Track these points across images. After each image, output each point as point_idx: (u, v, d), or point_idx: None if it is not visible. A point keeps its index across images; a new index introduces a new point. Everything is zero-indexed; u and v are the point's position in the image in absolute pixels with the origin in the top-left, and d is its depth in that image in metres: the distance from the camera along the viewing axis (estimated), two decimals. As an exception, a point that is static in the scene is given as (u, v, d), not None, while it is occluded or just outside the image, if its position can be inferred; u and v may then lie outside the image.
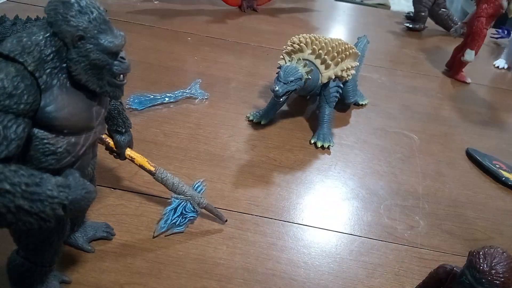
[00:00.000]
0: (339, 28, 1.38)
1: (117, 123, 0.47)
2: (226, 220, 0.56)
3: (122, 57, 0.35)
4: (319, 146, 0.73)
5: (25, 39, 0.31)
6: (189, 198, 0.53)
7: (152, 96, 0.78)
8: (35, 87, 0.30)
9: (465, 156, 0.78)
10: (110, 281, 0.47)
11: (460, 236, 0.60)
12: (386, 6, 2.20)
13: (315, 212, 0.61)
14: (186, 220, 0.53)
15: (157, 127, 0.73)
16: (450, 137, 0.83)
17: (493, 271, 0.34)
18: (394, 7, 2.19)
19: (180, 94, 0.81)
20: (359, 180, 0.68)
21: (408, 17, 1.46)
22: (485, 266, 0.34)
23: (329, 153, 0.73)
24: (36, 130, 0.31)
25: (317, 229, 0.58)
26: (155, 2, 1.30)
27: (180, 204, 0.53)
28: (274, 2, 1.43)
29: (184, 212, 0.53)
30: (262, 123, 0.77)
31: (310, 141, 0.75)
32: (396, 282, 0.52)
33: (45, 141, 0.32)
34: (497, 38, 1.42)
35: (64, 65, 0.32)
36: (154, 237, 0.53)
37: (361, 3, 2.17)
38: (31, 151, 0.32)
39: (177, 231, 0.53)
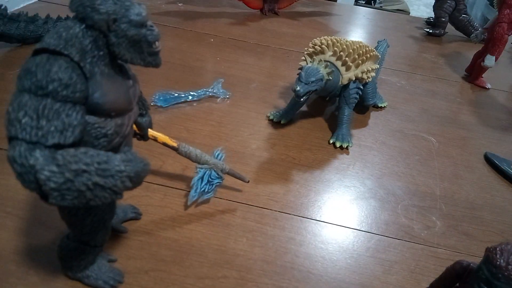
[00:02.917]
0: (358, 32, 1.39)
1: (138, 106, 0.50)
2: (249, 181, 0.60)
3: (150, 25, 0.37)
4: (337, 146, 0.75)
5: (64, 33, 0.33)
6: (212, 166, 0.57)
7: (176, 94, 0.81)
8: (83, 76, 0.33)
9: (483, 160, 0.78)
10: (136, 267, 0.49)
11: (476, 238, 0.61)
12: (405, 12, 2.19)
13: (333, 209, 0.62)
14: (213, 186, 0.58)
15: (180, 124, 0.75)
16: (468, 141, 0.83)
17: (510, 266, 0.34)
18: (414, 12, 2.19)
19: (203, 93, 0.84)
20: (377, 180, 0.69)
21: (428, 23, 1.47)
22: (502, 261, 0.35)
23: (347, 153, 0.74)
24: (87, 117, 0.34)
25: (335, 226, 0.59)
26: (179, 5, 1.33)
27: (205, 173, 0.57)
28: (294, 6, 1.45)
29: (210, 179, 0.57)
30: (282, 122, 0.79)
31: (329, 141, 0.76)
32: (412, 279, 0.53)
33: (96, 125, 0.35)
34: (518, 44, 1.41)
35: (102, 53, 0.35)
36: (187, 206, 0.57)
37: (380, 8, 2.18)
38: (84, 136, 0.34)
39: (207, 197, 0.57)
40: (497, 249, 0.36)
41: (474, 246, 0.59)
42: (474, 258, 0.57)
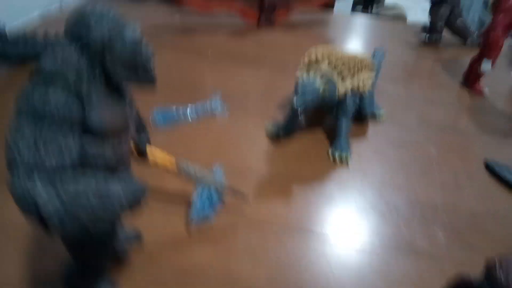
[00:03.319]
0: (355, 40, 1.40)
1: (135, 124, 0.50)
2: (249, 201, 0.61)
3: (145, 44, 0.37)
4: (336, 158, 0.75)
5: (59, 55, 0.33)
6: (212, 184, 0.57)
7: (174, 112, 0.81)
8: (79, 97, 0.33)
9: (483, 168, 0.78)
10: (138, 290, 0.49)
11: (480, 248, 0.60)
12: (402, 17, 2.20)
13: (333, 223, 0.62)
14: (214, 204, 0.58)
15: (179, 141, 0.75)
16: (468, 149, 0.83)
17: (510, 279, 0.34)
18: (411, 17, 2.19)
19: (201, 108, 0.84)
20: (377, 192, 0.69)
21: (425, 29, 1.47)
22: (501, 275, 0.35)
23: (347, 165, 0.74)
24: (84, 137, 0.34)
25: (337, 241, 0.59)
26: (176, 19, 1.34)
27: (204, 191, 0.57)
28: (291, 16, 1.46)
29: (209, 197, 0.57)
30: (280, 136, 0.79)
31: (327, 153, 0.76)
32: (416, 294, 0.52)
33: (94, 146, 0.35)
34: (515, 47, 1.41)
35: (97, 73, 0.35)
36: (190, 224, 0.57)
37: (377, 14, 2.19)
38: (82, 157, 0.34)
39: (207, 216, 0.57)
40: (496, 262, 0.36)
41: (479, 257, 0.58)
42: (478, 269, 0.56)
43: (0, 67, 0.90)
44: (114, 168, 0.38)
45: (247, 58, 1.12)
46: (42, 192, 0.30)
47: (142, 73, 0.38)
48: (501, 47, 1.01)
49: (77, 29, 0.34)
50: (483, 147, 0.84)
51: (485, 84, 1.08)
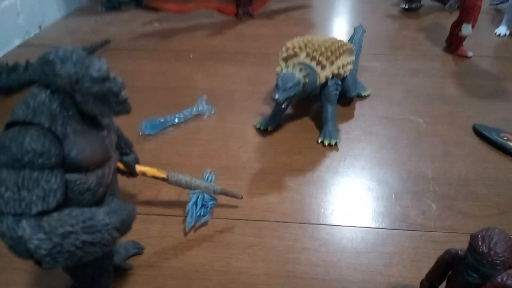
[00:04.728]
0: (336, 21, 1.40)
1: (120, 146, 0.51)
2: (242, 197, 0.62)
3: (113, 77, 0.38)
4: (326, 144, 0.76)
5: (31, 102, 0.35)
6: (204, 189, 0.59)
7: (162, 120, 0.82)
8: (56, 140, 0.34)
9: (472, 133, 0.79)
10: (145, 302, 0.51)
11: (473, 214, 0.61)
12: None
13: (328, 210, 0.63)
14: (208, 208, 0.59)
15: (170, 148, 0.77)
16: (455, 115, 0.84)
17: (492, 251, 0.35)
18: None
19: (189, 112, 0.85)
20: (369, 172, 0.70)
21: (404, -2, 1.46)
22: (484, 248, 0.36)
23: (337, 150, 0.75)
24: (68, 175, 0.35)
25: (332, 226, 0.60)
26: (155, 24, 1.34)
27: (198, 197, 0.59)
28: (269, 5, 1.46)
29: (204, 202, 0.59)
30: (269, 129, 0.80)
31: (317, 140, 0.77)
32: (414, 268, 0.54)
33: (78, 181, 0.36)
34: (496, 4, 1.40)
35: (71, 112, 0.36)
36: (186, 233, 0.59)
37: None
38: (68, 194, 0.36)
39: (204, 220, 0.59)
40: (479, 235, 0.37)
41: (472, 223, 0.60)
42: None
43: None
44: (102, 198, 0.40)
45: (229, 55, 1.12)
46: (32, 239, 0.32)
47: (115, 106, 0.39)
48: (479, 8, 1.01)
49: (44, 76, 0.35)
50: (471, 112, 0.85)
51: (468, 47, 1.08)
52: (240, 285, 0.52)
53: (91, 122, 0.39)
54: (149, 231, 0.60)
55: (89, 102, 0.36)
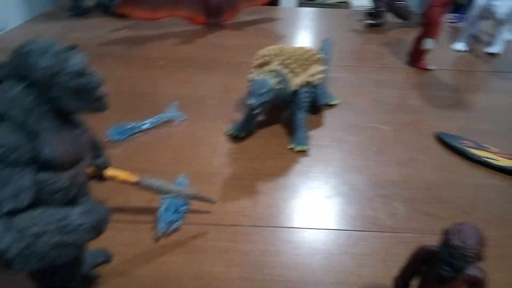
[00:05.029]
0: (303, 34, 1.43)
1: (91, 149, 0.50)
2: (216, 202, 0.61)
3: (91, 72, 0.37)
4: (297, 151, 0.77)
5: (4, 97, 0.33)
6: (177, 194, 0.57)
7: (131, 125, 0.80)
8: (29, 136, 0.33)
9: (435, 140, 0.82)
10: (116, 309, 0.49)
11: (438, 216, 0.64)
12: (346, 4, 2.26)
13: (301, 213, 0.64)
14: (181, 214, 0.58)
15: (140, 155, 0.75)
16: (419, 124, 0.87)
17: (465, 244, 0.37)
18: (355, 3, 2.26)
19: (159, 118, 0.84)
20: (339, 177, 0.71)
21: (369, 14, 1.52)
22: (457, 241, 0.37)
23: (307, 156, 0.76)
24: (40, 174, 0.34)
25: (305, 230, 0.61)
26: (124, 31, 1.33)
27: (170, 202, 0.58)
28: (238, 16, 1.47)
29: (176, 207, 0.58)
30: (241, 136, 0.80)
31: (288, 146, 0.78)
32: (385, 268, 0.55)
33: (50, 181, 0.35)
34: (454, 22, 1.48)
35: (46, 108, 0.35)
36: (158, 239, 0.57)
37: (322, 4, 2.23)
38: (40, 194, 0.34)
39: (176, 226, 0.58)
40: (452, 230, 0.38)
41: (438, 224, 0.62)
42: (439, 236, 0.59)
43: None
44: (74, 198, 0.38)
45: (199, 64, 1.12)
46: (3, 237, 0.30)
47: (92, 102, 0.38)
48: (440, 24, 1.07)
49: (20, 68, 0.34)
50: (433, 121, 0.89)
51: (429, 61, 1.13)
52: (215, 289, 0.51)
53: (67, 119, 0.38)
54: (118, 239, 0.58)
55: (66, 97, 0.35)
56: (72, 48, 0.36)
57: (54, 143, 0.35)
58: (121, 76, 1.03)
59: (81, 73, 0.36)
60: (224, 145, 0.79)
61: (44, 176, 0.34)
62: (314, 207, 0.65)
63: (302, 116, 0.78)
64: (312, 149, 0.78)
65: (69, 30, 1.33)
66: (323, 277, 0.54)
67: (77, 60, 0.35)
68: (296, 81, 0.75)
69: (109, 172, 0.53)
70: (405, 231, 0.61)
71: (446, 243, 0.38)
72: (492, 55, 1.24)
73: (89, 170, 0.51)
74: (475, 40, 1.37)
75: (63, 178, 0.36)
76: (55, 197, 0.36)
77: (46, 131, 0.35)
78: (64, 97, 0.35)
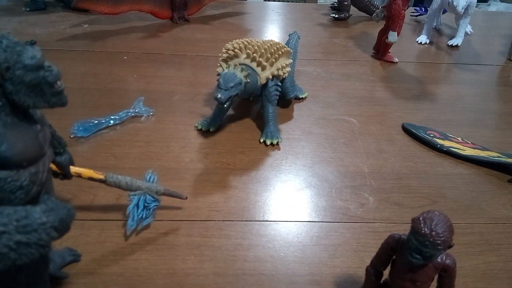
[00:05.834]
0: (270, 28, 1.43)
1: (54, 146, 0.48)
2: (186, 197, 0.60)
3: (48, 66, 0.36)
4: (268, 144, 0.77)
5: None
6: (146, 191, 0.56)
7: (96, 121, 0.78)
8: None
9: (402, 131, 0.84)
10: (84, 312, 0.47)
11: (407, 205, 0.65)
12: (312, -1, 2.28)
13: (273, 206, 0.64)
14: (151, 210, 0.57)
15: (106, 151, 0.73)
16: (386, 116, 0.89)
17: (434, 232, 0.37)
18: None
19: (125, 114, 0.82)
20: (310, 169, 0.72)
21: (333, 8, 1.54)
22: (426, 229, 0.38)
23: (278, 149, 0.76)
24: None
25: (278, 223, 0.61)
26: (85, 26, 1.28)
27: (140, 199, 0.56)
28: (204, 10, 1.45)
29: (146, 204, 0.56)
30: (211, 130, 0.79)
31: (259, 140, 0.78)
32: (356, 257, 0.56)
33: (9, 179, 0.33)
34: (416, 16, 1.53)
35: (0, 103, 0.33)
36: (127, 237, 0.56)
37: (289, -1, 2.24)
38: None
39: (146, 223, 0.56)
40: (420, 218, 0.39)
41: (406, 213, 0.64)
42: (408, 225, 0.61)
43: None
44: (36, 197, 0.36)
45: (166, 58, 1.10)
46: None
47: (50, 97, 0.36)
48: (403, 17, 1.09)
49: None
50: (400, 112, 0.91)
51: (394, 54, 1.16)
52: (188, 286, 0.50)
53: (23, 115, 0.36)
54: (86, 237, 0.56)
55: (21, 92, 0.34)
56: (30, 43, 0.35)
57: (12, 139, 0.33)
58: (85, 72, 1.00)
59: (37, 67, 0.34)
60: (194, 140, 0.77)
61: (2, 174, 0.33)
62: (286, 200, 0.65)
63: (272, 109, 0.78)
64: (283, 142, 0.78)
65: (27, 25, 1.27)
66: (297, 269, 0.54)
67: (32, 54, 0.34)
68: (264, 74, 0.75)
69: (74, 169, 0.51)
70: (375, 221, 0.62)
71: (415, 231, 0.39)
72: (453, 47, 1.29)
73: (53, 167, 0.49)
74: (437, 33, 1.41)
75: (23, 176, 0.34)
76: (15, 196, 0.34)
77: (2, 127, 0.33)
78: (19, 92, 0.33)
